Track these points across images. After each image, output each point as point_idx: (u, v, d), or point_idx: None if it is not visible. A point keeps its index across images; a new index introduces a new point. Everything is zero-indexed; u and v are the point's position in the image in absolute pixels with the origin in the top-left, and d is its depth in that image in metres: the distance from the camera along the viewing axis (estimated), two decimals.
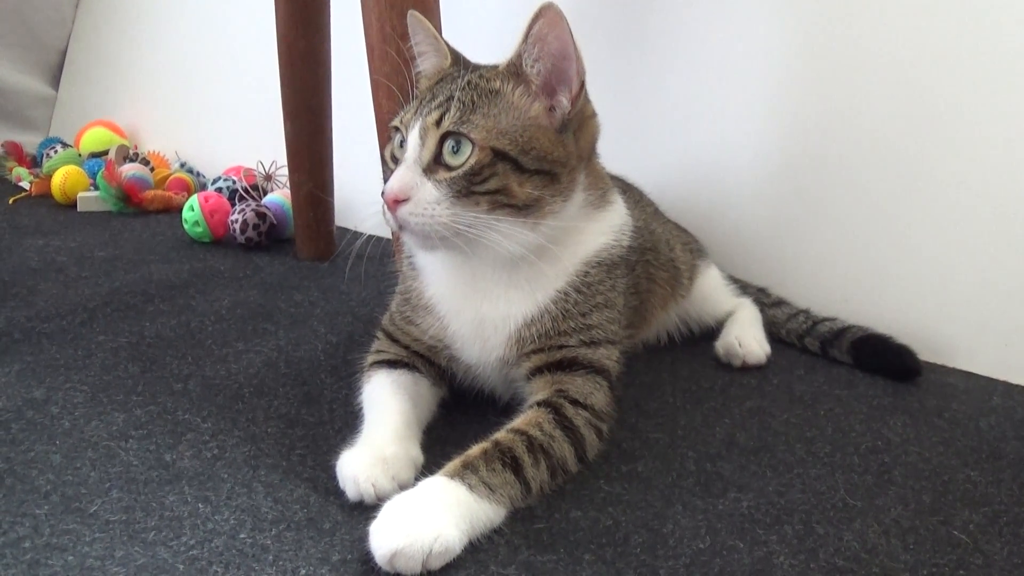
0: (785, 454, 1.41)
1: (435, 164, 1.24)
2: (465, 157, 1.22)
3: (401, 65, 1.50)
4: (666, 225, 1.95)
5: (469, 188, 1.22)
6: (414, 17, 1.40)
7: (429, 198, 1.22)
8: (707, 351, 1.86)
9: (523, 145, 1.25)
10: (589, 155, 1.41)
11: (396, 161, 1.31)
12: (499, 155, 1.23)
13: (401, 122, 1.31)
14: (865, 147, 1.96)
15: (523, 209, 1.26)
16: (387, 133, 1.38)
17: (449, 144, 1.23)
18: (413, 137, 1.25)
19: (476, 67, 1.37)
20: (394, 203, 1.22)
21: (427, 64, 1.43)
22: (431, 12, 1.65)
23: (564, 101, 1.30)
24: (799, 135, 2.07)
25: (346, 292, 2.18)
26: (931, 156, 1.86)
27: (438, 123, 1.24)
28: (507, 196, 1.24)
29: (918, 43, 1.86)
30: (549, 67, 1.28)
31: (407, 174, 1.23)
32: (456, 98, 1.26)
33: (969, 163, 1.82)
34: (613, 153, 1.51)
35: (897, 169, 1.91)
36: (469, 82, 1.28)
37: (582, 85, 1.31)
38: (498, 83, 1.29)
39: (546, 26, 1.24)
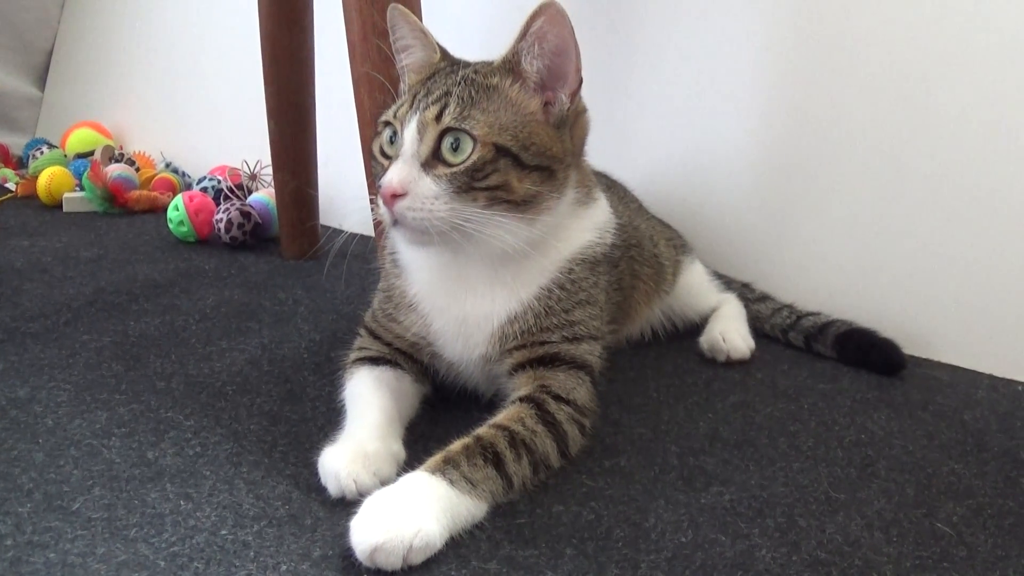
0: (768, 448, 1.41)
1: (433, 159, 1.23)
2: (467, 153, 1.22)
3: (383, 62, 1.49)
4: (650, 221, 1.95)
5: (470, 184, 1.22)
6: (397, 11, 1.38)
7: (428, 193, 1.21)
8: (691, 346, 1.87)
9: (524, 141, 1.25)
10: (580, 151, 1.42)
11: (385, 156, 1.31)
12: (501, 151, 1.23)
13: (395, 116, 1.29)
14: (850, 142, 1.97)
15: (520, 205, 1.26)
16: (374, 128, 1.38)
17: (448, 140, 1.23)
18: (410, 132, 1.24)
19: (470, 63, 1.37)
20: (392, 197, 1.21)
21: (412, 58, 1.41)
22: (411, 6, 1.64)
23: (563, 97, 1.30)
24: (784, 130, 2.08)
25: (330, 290, 2.17)
26: (915, 151, 1.87)
27: (438, 118, 1.23)
28: (506, 192, 1.24)
29: (903, 40, 1.87)
30: (547, 64, 1.28)
31: (405, 168, 1.22)
32: (455, 94, 1.25)
33: (953, 158, 1.82)
34: (598, 149, 1.51)
35: (881, 164, 1.92)
36: (465, 77, 1.28)
37: (580, 82, 1.31)
38: (496, 79, 1.29)
39: (547, 24, 1.24)
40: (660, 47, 2.25)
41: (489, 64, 1.32)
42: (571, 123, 1.34)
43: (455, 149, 1.22)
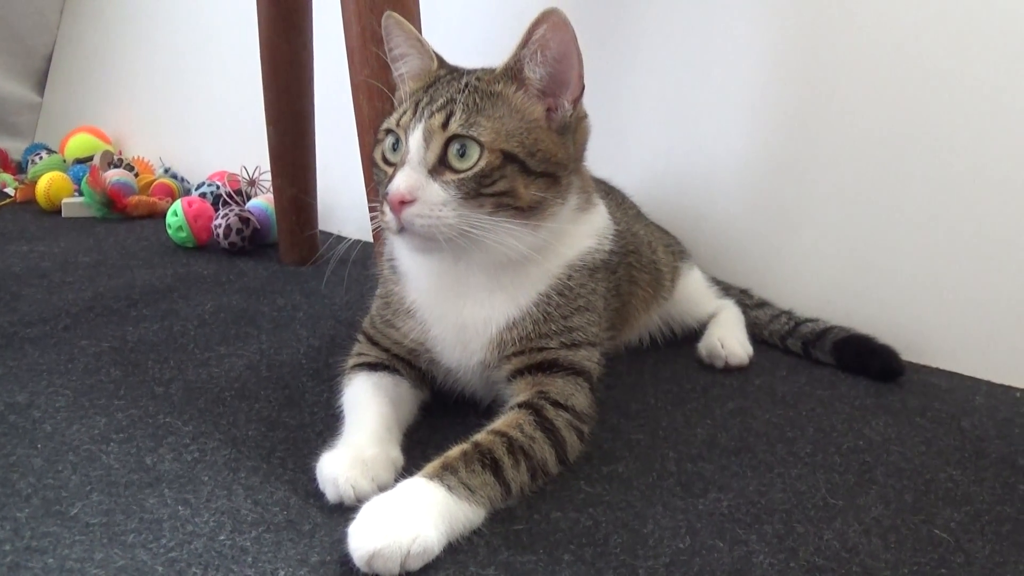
0: (766, 454, 1.41)
1: (440, 166, 1.23)
2: (474, 160, 1.22)
3: (382, 69, 1.49)
4: (648, 227, 1.95)
5: (478, 190, 1.22)
6: (392, 19, 1.38)
7: (436, 199, 1.21)
8: (689, 353, 1.87)
9: (530, 147, 1.26)
10: (581, 157, 1.42)
11: (388, 163, 1.31)
12: (508, 157, 1.24)
13: (397, 124, 1.29)
14: (848, 148, 1.97)
15: (526, 211, 1.27)
16: (375, 135, 1.38)
17: (455, 147, 1.23)
18: (416, 139, 1.24)
19: (470, 70, 1.37)
20: (399, 204, 1.21)
21: (409, 66, 1.41)
22: (410, 14, 1.64)
23: (566, 104, 1.31)
24: (782, 136, 2.08)
25: (328, 296, 2.17)
26: (913, 157, 1.87)
27: (444, 125, 1.23)
28: (512, 198, 1.25)
29: (903, 45, 1.87)
30: (550, 71, 1.28)
31: (413, 175, 1.22)
32: (459, 101, 1.25)
33: (951, 164, 1.82)
34: (597, 155, 1.51)
35: (880, 170, 1.92)
36: (468, 84, 1.28)
37: (583, 88, 1.31)
38: (500, 86, 1.29)
39: (549, 31, 1.24)
40: (658, 53, 2.26)
41: (491, 71, 1.32)
42: (573, 129, 1.34)
43: (462, 156, 1.23)
